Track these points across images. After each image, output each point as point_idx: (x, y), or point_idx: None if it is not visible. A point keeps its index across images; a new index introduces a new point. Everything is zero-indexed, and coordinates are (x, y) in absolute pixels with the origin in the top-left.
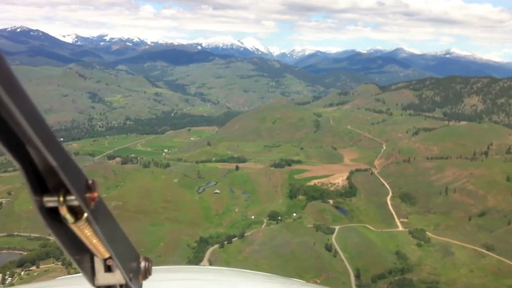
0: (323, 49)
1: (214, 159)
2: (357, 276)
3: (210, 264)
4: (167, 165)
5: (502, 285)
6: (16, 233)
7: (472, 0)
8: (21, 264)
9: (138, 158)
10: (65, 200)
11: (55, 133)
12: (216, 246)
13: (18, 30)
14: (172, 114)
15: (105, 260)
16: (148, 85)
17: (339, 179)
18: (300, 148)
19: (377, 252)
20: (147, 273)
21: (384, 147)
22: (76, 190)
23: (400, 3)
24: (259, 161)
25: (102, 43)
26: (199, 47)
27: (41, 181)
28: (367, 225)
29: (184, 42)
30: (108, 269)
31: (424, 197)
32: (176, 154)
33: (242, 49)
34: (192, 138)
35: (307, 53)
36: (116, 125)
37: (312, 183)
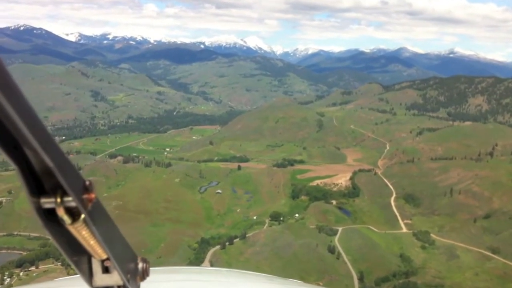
0: (326, 48)
1: (216, 158)
2: (361, 279)
3: (211, 265)
4: (169, 165)
5: None
6: (16, 233)
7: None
8: (20, 264)
9: (140, 157)
10: (62, 201)
11: (52, 134)
12: (218, 247)
13: (22, 28)
14: (175, 113)
15: (102, 261)
16: (151, 84)
17: (342, 180)
18: (303, 148)
19: (381, 254)
20: (144, 274)
21: (388, 147)
22: (73, 191)
23: (404, 2)
24: (261, 161)
25: (105, 42)
26: (202, 46)
27: (38, 182)
28: (370, 227)
29: (187, 40)
30: (106, 270)
31: (428, 198)
32: (178, 153)
33: (245, 48)
34: (194, 137)
35: (310, 52)
36: (118, 123)
37: (314, 183)
